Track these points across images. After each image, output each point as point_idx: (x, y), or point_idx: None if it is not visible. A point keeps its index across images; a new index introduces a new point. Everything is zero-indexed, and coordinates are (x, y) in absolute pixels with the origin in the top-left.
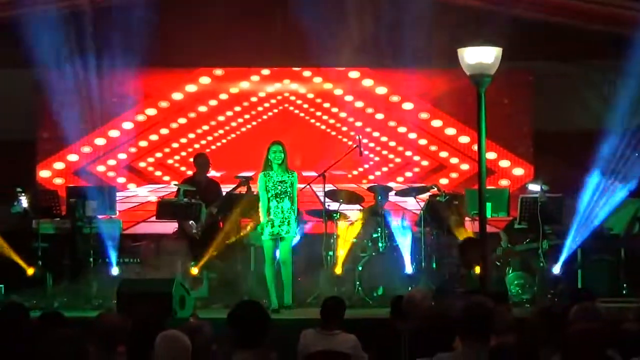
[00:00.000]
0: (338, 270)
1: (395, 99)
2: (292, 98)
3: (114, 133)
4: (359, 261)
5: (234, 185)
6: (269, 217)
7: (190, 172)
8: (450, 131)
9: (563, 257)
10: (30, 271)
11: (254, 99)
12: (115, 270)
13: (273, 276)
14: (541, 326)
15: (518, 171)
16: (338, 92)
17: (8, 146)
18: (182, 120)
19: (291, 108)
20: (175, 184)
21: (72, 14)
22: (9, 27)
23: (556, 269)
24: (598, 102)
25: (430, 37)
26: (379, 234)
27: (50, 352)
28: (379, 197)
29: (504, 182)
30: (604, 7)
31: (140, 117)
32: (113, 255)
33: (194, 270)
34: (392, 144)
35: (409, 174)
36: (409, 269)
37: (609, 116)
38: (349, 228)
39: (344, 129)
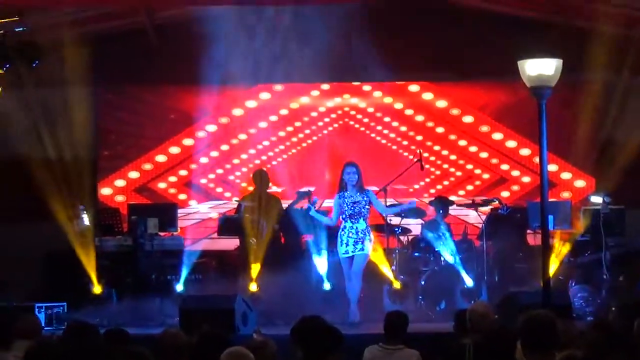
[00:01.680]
0: (396, 284)
1: (455, 112)
2: (352, 112)
3: (174, 150)
4: (421, 275)
5: (292, 200)
6: (343, 237)
7: (251, 188)
8: (511, 144)
9: None
10: (97, 289)
11: (314, 114)
12: (177, 287)
13: (351, 291)
14: (602, 339)
15: (580, 183)
16: (398, 105)
17: (70, 164)
18: (243, 136)
19: (351, 122)
20: (236, 200)
21: (133, 31)
22: (71, 45)
23: (620, 281)
24: None
25: (490, 50)
26: (441, 248)
27: None
28: (440, 211)
29: (566, 195)
30: None
31: (201, 134)
32: (175, 272)
33: (253, 287)
34: (453, 157)
35: (470, 187)
36: (470, 282)
37: None
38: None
39: (405, 142)
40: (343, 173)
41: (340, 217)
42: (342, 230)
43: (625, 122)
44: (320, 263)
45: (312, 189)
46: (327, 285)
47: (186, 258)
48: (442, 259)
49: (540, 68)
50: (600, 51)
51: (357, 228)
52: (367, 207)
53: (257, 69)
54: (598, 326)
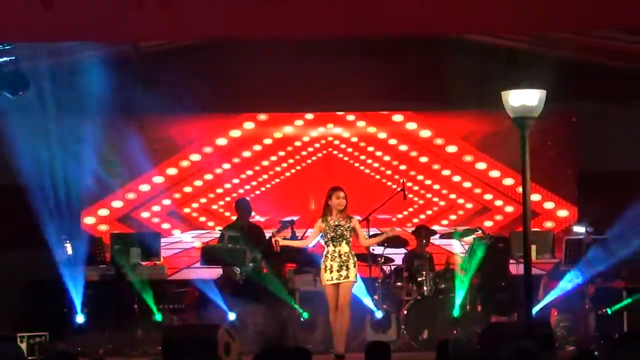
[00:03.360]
0: (379, 314)
1: (439, 141)
2: (336, 142)
3: (158, 179)
4: (403, 305)
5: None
6: (326, 262)
7: (234, 218)
8: (495, 173)
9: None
10: (80, 318)
11: (297, 144)
12: (159, 317)
13: (336, 322)
14: None
15: (563, 213)
16: (382, 135)
17: (55, 193)
18: (226, 166)
19: (335, 152)
20: (219, 230)
21: (117, 61)
22: (56, 74)
23: (608, 311)
24: None
25: (474, 80)
26: (424, 278)
27: None
28: (422, 241)
29: (549, 224)
30: None
31: (185, 163)
32: (158, 302)
33: (233, 316)
34: (436, 187)
35: (453, 217)
36: (454, 312)
37: None
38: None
39: (388, 172)
40: (331, 197)
41: (323, 241)
42: (325, 256)
43: (608, 151)
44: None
45: (295, 218)
46: (305, 315)
47: (169, 287)
48: (424, 288)
49: (524, 99)
50: (583, 82)
51: (339, 251)
52: (349, 231)
53: (241, 98)
54: (581, 357)
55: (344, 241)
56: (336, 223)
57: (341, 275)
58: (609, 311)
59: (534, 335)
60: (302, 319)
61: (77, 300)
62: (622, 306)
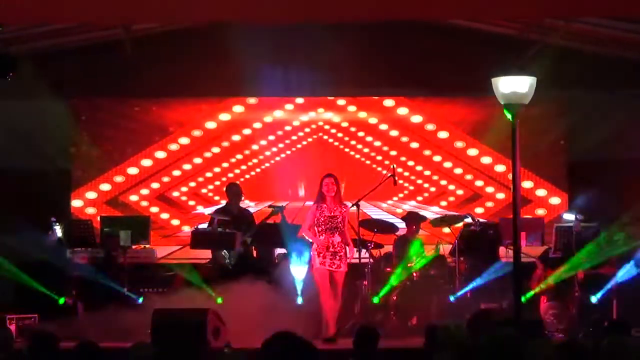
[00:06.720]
0: (375, 299)
1: (430, 127)
2: (327, 127)
3: (147, 162)
4: (393, 290)
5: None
6: (319, 250)
7: (224, 202)
8: (486, 160)
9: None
10: (61, 301)
11: (288, 128)
12: (149, 300)
13: (328, 305)
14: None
15: (555, 200)
16: (373, 120)
17: (44, 176)
18: (216, 150)
19: (325, 137)
20: (209, 213)
21: (107, 44)
22: (45, 57)
23: (591, 298)
24: (633, 131)
25: (466, 66)
26: (414, 263)
27: None
28: (412, 227)
29: (541, 211)
30: (639, 36)
31: (174, 146)
32: (147, 285)
33: (219, 300)
34: (427, 172)
35: (444, 203)
36: (443, 298)
37: None
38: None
39: (379, 157)
40: (321, 185)
41: (316, 229)
42: (318, 244)
43: (599, 139)
44: (295, 276)
45: (285, 203)
46: (299, 300)
47: (158, 270)
48: (414, 274)
49: (514, 85)
50: (574, 69)
51: (332, 241)
52: (343, 220)
53: (231, 81)
54: (565, 346)
55: (338, 232)
56: (331, 214)
57: (334, 264)
58: (594, 299)
59: (522, 322)
60: (295, 304)
61: (67, 282)
62: (604, 293)
